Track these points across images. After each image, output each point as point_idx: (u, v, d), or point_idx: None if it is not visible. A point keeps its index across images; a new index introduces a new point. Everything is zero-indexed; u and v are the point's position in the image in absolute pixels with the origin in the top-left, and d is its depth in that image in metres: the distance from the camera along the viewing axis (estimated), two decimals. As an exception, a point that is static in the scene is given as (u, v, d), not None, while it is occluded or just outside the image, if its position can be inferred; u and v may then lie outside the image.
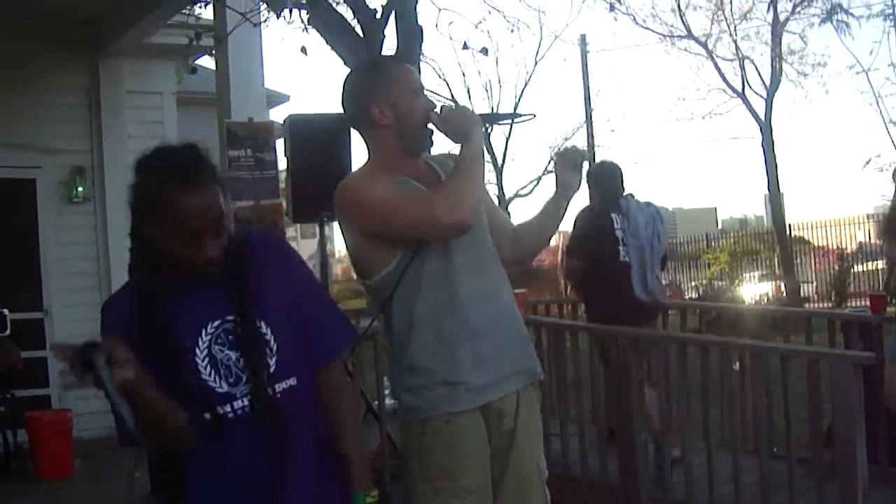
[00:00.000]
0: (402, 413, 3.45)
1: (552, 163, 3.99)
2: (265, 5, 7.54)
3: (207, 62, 11.08)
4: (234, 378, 2.71)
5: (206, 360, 2.71)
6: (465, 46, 9.73)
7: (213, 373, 2.71)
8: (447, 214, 3.23)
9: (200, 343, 2.71)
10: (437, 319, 3.36)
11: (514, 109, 32.62)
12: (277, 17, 6.15)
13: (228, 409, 2.70)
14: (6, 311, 9.06)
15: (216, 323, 2.73)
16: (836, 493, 5.50)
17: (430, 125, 3.46)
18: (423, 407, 3.36)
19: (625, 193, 7.73)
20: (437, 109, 3.48)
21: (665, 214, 7.82)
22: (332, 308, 3.05)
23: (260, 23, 7.82)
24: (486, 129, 3.53)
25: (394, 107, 3.42)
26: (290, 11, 6.27)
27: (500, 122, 4.04)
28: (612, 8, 13.28)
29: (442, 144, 3.56)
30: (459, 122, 3.43)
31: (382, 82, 3.47)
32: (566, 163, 3.75)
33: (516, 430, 3.48)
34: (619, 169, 7.85)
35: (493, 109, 30.66)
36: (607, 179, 7.73)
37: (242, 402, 2.71)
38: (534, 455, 3.58)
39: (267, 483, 2.72)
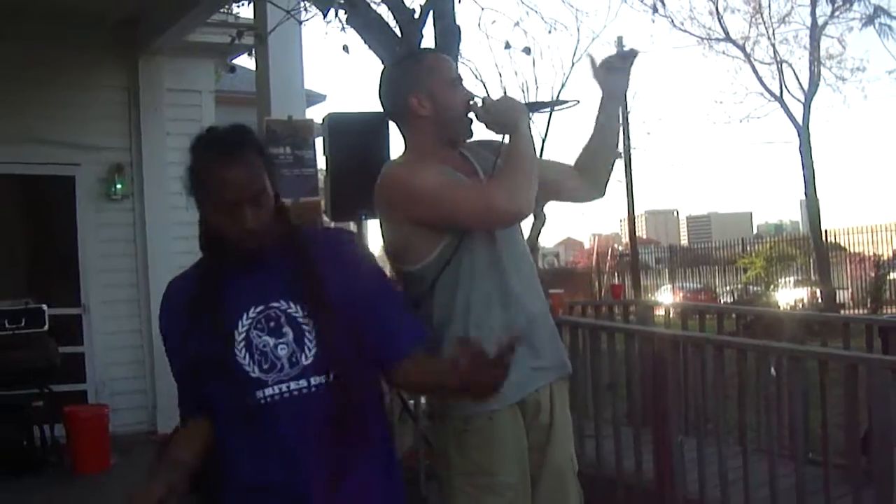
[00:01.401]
0: (441, 409, 3.43)
1: (590, 68, 3.82)
2: (309, 3, 7.55)
3: (246, 62, 11.11)
4: (268, 365, 2.74)
5: (243, 343, 2.75)
6: (507, 46, 9.75)
7: (247, 357, 2.74)
8: (507, 202, 3.23)
9: (240, 326, 2.75)
10: (479, 310, 3.34)
11: (550, 115, 32.68)
12: (324, 17, 6.15)
13: (260, 395, 2.73)
14: (45, 307, 9.13)
15: (259, 308, 2.77)
16: (873, 500, 5.46)
17: (469, 115, 3.44)
18: (465, 402, 3.30)
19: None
20: (478, 101, 3.45)
21: None
22: (404, 308, 3.06)
23: (302, 21, 7.85)
24: (530, 118, 3.49)
25: (432, 97, 3.41)
26: (329, 11, 6.27)
27: (544, 110, 4.00)
28: (654, 10, 13.24)
29: (480, 135, 3.54)
30: (505, 113, 3.39)
31: (420, 73, 3.46)
32: (609, 65, 3.67)
33: (553, 425, 3.48)
34: None
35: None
36: None
37: (273, 389, 2.73)
38: (567, 448, 3.57)
39: (282, 482, 2.75)
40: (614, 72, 3.67)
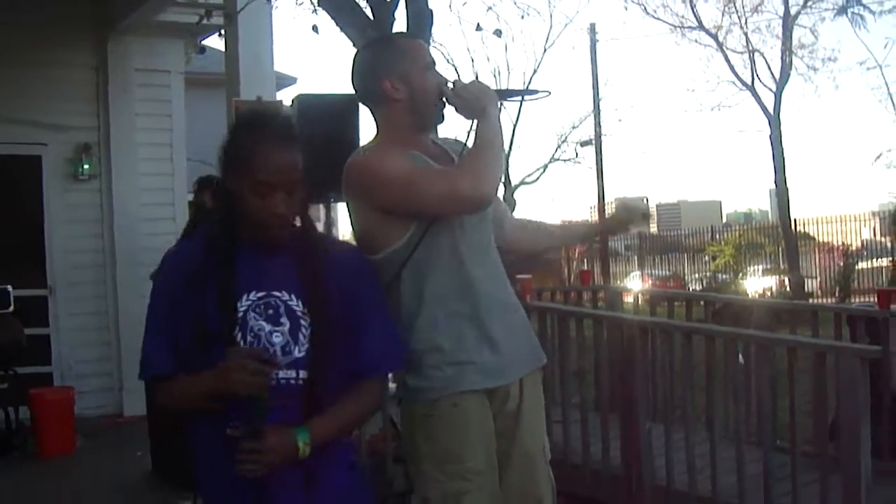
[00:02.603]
0: (407, 394, 3.41)
1: (615, 205, 4.06)
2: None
3: (215, 43, 11.05)
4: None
5: (238, 324, 2.78)
6: (479, 28, 9.73)
7: (239, 336, 2.77)
8: (471, 188, 3.21)
9: (238, 307, 2.78)
10: (448, 298, 3.33)
11: (521, 100, 32.72)
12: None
13: None
14: (10, 288, 9.05)
15: (261, 294, 2.81)
16: (839, 487, 5.47)
17: (442, 100, 3.42)
18: (432, 386, 3.31)
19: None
20: (450, 84, 3.43)
21: None
22: (392, 329, 3.10)
23: (271, 1, 7.79)
24: (499, 105, 3.48)
25: (406, 81, 3.38)
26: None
27: (514, 98, 4.01)
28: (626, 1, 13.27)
29: (452, 121, 3.53)
30: (475, 97, 3.37)
31: (394, 56, 3.43)
32: (629, 215, 3.87)
33: (521, 412, 3.46)
34: None
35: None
36: None
37: None
38: (539, 436, 3.56)
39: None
40: (627, 224, 3.92)
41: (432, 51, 3.71)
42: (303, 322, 2.80)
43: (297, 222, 2.88)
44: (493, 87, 3.46)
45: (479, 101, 3.36)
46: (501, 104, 3.50)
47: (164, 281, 2.94)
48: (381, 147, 3.42)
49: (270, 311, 2.78)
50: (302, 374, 2.77)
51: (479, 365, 3.32)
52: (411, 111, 3.40)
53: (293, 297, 2.81)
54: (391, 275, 3.34)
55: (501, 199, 3.95)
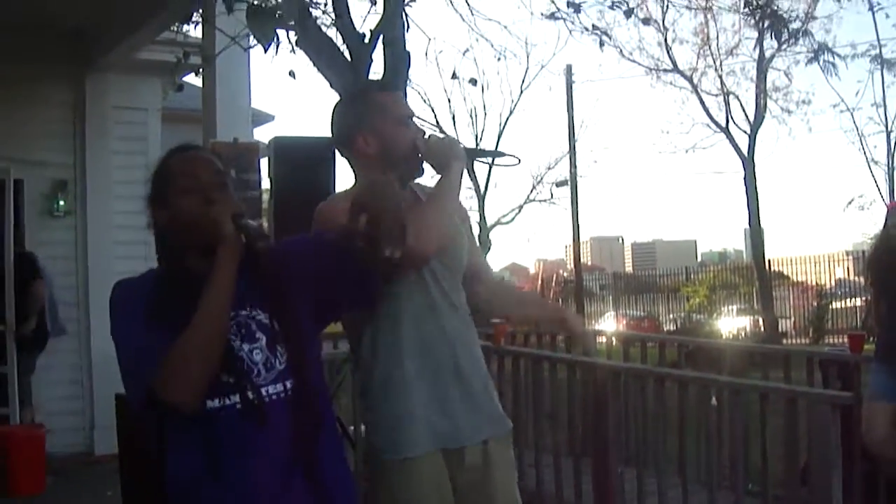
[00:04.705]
0: (368, 447, 3.41)
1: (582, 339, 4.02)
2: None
3: (193, 79, 11.05)
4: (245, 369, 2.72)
5: None
6: (455, 76, 9.78)
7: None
8: (413, 240, 3.01)
9: None
10: (402, 354, 3.30)
11: (498, 140, 32.80)
12: (265, 51, 6.13)
13: (236, 400, 2.69)
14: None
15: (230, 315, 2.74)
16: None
17: (418, 154, 3.41)
18: (383, 447, 3.30)
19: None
20: (426, 137, 3.44)
21: None
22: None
23: (249, 47, 7.82)
24: (466, 164, 3.47)
25: (379, 136, 3.38)
26: (270, 46, 6.24)
27: (484, 160, 3.99)
28: (601, 44, 13.37)
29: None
30: (442, 153, 3.38)
31: (368, 111, 3.44)
32: (586, 342, 3.89)
33: (489, 463, 3.42)
34: None
35: (477, 142, 30.74)
36: None
37: (219, 401, 2.67)
38: (510, 491, 3.52)
39: (244, 488, 2.66)
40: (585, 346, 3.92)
41: (409, 93, 3.70)
42: (275, 333, 2.77)
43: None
44: (466, 146, 3.47)
45: (445, 157, 3.37)
46: (467, 165, 3.48)
47: (128, 304, 2.78)
48: (347, 194, 3.40)
49: (243, 331, 2.74)
50: (289, 384, 2.74)
51: (434, 427, 3.30)
52: (384, 165, 3.37)
53: (258, 311, 2.78)
54: (356, 332, 3.36)
55: (478, 244, 3.96)
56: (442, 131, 30.79)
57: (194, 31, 9.28)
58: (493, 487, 3.44)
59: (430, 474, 3.32)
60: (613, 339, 11.03)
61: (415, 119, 3.55)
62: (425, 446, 3.28)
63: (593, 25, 11.87)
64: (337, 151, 3.70)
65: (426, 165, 3.46)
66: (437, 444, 3.31)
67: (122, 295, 2.82)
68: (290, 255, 2.90)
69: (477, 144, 32.07)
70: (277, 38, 6.41)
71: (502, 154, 3.73)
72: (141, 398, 2.62)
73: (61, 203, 10.23)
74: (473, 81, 11.94)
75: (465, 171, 3.46)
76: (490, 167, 31.00)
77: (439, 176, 3.40)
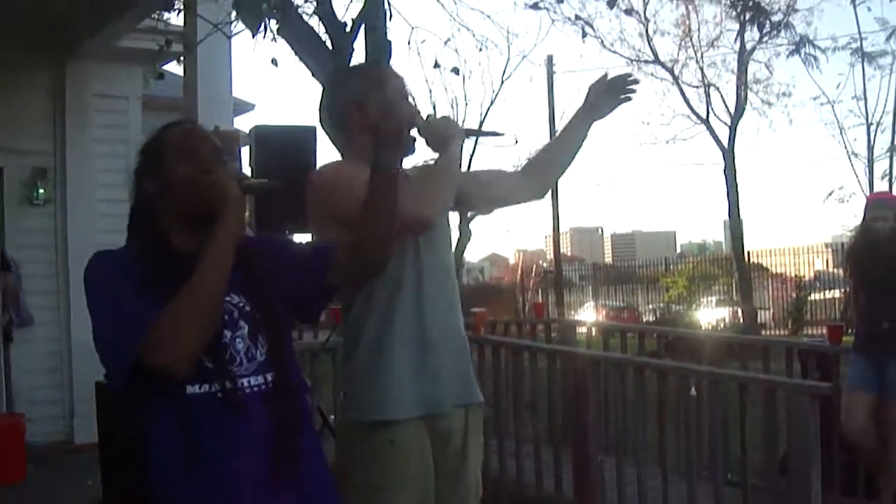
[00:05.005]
0: (343, 419, 3.42)
1: (590, 86, 3.85)
2: (239, 21, 7.50)
3: (174, 67, 10.99)
4: (227, 357, 2.65)
5: None
6: (437, 65, 9.73)
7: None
8: (410, 209, 3.12)
9: None
10: (390, 324, 3.34)
11: (479, 126, 32.76)
12: (254, 35, 6.11)
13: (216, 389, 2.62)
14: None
15: None
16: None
17: (413, 131, 3.40)
18: (368, 409, 3.33)
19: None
20: (423, 116, 3.44)
21: None
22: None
23: (231, 35, 7.79)
24: (462, 142, 3.48)
25: (378, 105, 3.38)
26: (259, 28, 6.22)
27: (481, 138, 3.96)
28: (583, 34, 13.30)
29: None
30: (441, 131, 3.39)
31: (370, 81, 3.46)
32: (611, 88, 3.74)
33: (466, 452, 3.48)
34: None
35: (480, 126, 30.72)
36: None
37: (201, 387, 2.61)
38: (476, 474, 3.58)
39: (225, 479, 2.60)
40: (612, 93, 3.73)
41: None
42: (258, 324, 2.72)
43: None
44: (463, 126, 3.48)
45: (443, 136, 3.38)
46: (462, 142, 3.49)
47: (110, 273, 2.67)
48: (342, 161, 3.46)
49: (226, 317, 2.67)
50: (269, 376, 2.68)
51: (418, 392, 3.34)
52: (380, 137, 3.36)
53: (241, 298, 2.73)
54: (351, 295, 3.38)
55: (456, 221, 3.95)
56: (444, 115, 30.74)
57: (176, 18, 9.24)
58: (467, 463, 3.49)
59: (414, 437, 3.35)
60: (593, 329, 11.02)
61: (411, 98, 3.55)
62: (411, 410, 3.32)
63: (576, 16, 11.86)
64: (325, 135, 3.69)
65: (420, 145, 3.46)
66: (421, 409, 3.35)
67: (102, 265, 2.70)
68: (269, 254, 2.88)
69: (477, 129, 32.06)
70: (263, 26, 6.39)
71: (500, 134, 3.72)
72: (124, 369, 2.53)
73: (41, 191, 10.17)
74: (456, 70, 11.78)
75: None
76: (472, 154, 30.92)
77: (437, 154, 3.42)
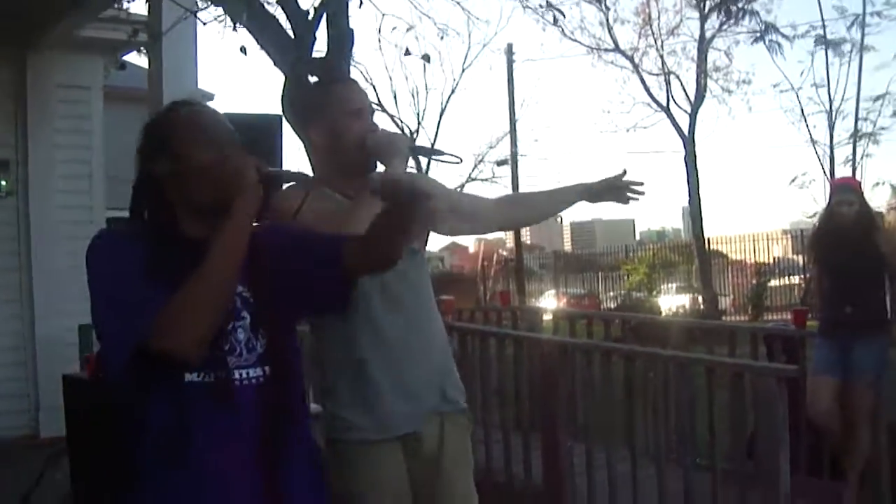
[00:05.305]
0: (327, 425, 3.43)
1: (606, 178, 3.98)
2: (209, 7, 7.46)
3: (135, 58, 10.94)
4: (227, 346, 2.61)
5: None
6: (408, 52, 9.71)
7: None
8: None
9: None
10: (355, 342, 3.35)
11: (440, 119, 32.75)
12: (234, 29, 6.07)
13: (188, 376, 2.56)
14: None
15: None
16: (759, 502, 5.57)
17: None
18: (344, 428, 3.35)
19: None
20: (376, 132, 3.41)
21: None
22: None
23: (206, 22, 7.74)
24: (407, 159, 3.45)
25: (331, 128, 3.37)
26: (236, 11, 6.18)
27: (426, 156, 3.96)
28: (554, 21, 13.34)
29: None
30: (384, 150, 3.33)
31: (322, 103, 3.45)
32: (619, 185, 3.90)
33: (443, 457, 3.46)
34: None
35: (419, 120, 30.78)
36: None
37: (234, 374, 2.60)
38: (466, 482, 3.57)
39: (210, 470, 2.56)
40: (617, 190, 3.93)
41: (352, 70, 3.68)
42: (259, 314, 2.66)
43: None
44: (410, 143, 3.48)
45: (386, 154, 3.31)
46: (408, 159, 3.48)
47: (117, 255, 2.59)
48: (300, 192, 3.41)
49: (230, 306, 2.61)
50: (266, 369, 2.63)
51: (388, 413, 3.34)
52: (334, 157, 3.40)
53: (244, 287, 2.66)
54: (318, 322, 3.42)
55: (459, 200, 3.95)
56: (383, 110, 30.73)
57: (136, 6, 9.18)
58: (447, 477, 3.48)
59: (387, 457, 3.36)
60: (559, 317, 11.08)
61: (370, 112, 3.51)
62: (387, 431, 3.34)
63: (547, 2, 11.82)
64: (288, 125, 3.69)
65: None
66: (397, 429, 3.36)
67: (107, 246, 2.63)
68: (272, 245, 2.79)
69: (419, 123, 32.19)
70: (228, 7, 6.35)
71: (444, 153, 3.71)
72: (126, 355, 2.46)
73: (3, 183, 10.07)
74: (427, 58, 11.78)
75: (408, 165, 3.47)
76: (433, 142, 30.95)
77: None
